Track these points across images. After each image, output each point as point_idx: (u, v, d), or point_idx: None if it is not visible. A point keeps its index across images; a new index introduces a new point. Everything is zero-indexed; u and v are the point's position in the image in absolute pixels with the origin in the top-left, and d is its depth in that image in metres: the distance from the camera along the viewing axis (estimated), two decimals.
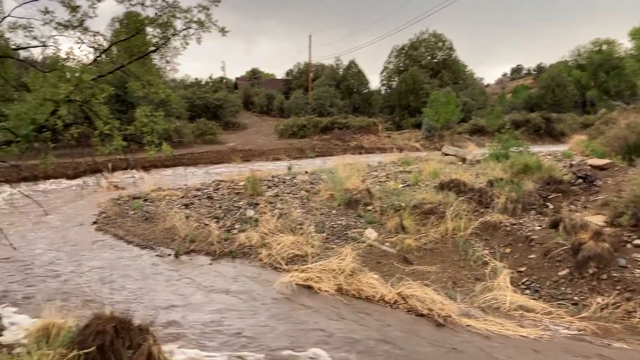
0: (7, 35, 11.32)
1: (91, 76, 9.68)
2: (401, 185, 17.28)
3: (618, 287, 9.21)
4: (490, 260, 10.72)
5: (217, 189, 18.95)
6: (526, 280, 10.06)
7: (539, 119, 50.18)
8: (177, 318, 8.59)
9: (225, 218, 14.90)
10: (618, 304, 8.84)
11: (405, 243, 12.02)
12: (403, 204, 13.90)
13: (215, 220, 14.64)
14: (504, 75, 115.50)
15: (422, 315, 8.89)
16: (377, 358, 7.38)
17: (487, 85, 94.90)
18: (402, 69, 62.66)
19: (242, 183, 18.74)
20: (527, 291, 9.79)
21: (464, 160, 23.42)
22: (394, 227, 13.00)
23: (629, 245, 10.26)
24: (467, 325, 8.46)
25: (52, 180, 22.55)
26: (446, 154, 25.72)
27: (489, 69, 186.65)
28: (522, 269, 10.43)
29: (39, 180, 19.31)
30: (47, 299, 8.43)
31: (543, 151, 27.16)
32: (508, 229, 11.78)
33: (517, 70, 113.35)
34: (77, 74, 9.65)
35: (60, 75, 10.03)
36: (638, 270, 9.40)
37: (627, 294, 9.01)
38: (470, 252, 11.29)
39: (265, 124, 56.52)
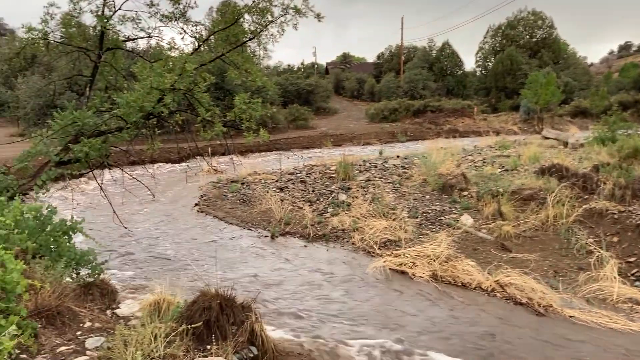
0: (118, 28, 12.10)
1: (193, 65, 10.14)
2: (499, 170, 16.71)
3: None
4: (595, 249, 10.15)
5: (309, 173, 19.26)
6: (636, 272, 9.44)
7: None
8: (275, 297, 8.89)
9: (318, 202, 15.14)
10: None
11: (503, 230, 11.64)
12: (501, 190, 13.45)
13: (309, 203, 14.92)
14: (611, 53, 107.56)
15: (521, 304, 8.61)
16: (474, 346, 7.24)
17: (591, 65, 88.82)
18: (499, 49, 60.21)
19: (333, 167, 18.91)
20: (638, 283, 9.19)
21: (565, 144, 22.21)
22: (491, 214, 12.63)
23: None
24: (570, 317, 8.10)
25: (157, 164, 24.00)
26: (546, 138, 24.52)
27: (593, 47, 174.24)
28: (632, 259, 9.79)
29: (145, 164, 20.56)
30: (157, 276, 9.03)
31: None
32: (616, 216, 11.07)
33: (625, 48, 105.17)
34: (180, 64, 10.14)
35: (165, 65, 10.60)
36: None
37: None
38: (573, 241, 10.74)
39: (356, 109, 56.49)
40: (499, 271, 9.59)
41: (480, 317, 8.20)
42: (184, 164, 17.95)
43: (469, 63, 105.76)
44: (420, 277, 9.78)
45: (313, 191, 16.31)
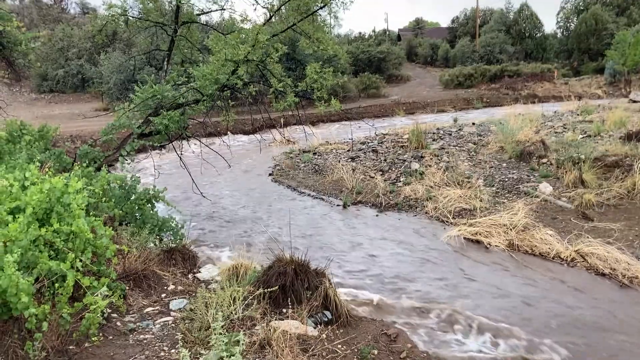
0: (192, 1, 12.39)
1: (265, 36, 10.26)
2: (580, 136, 15.93)
3: None
4: None
5: (381, 143, 19.13)
6: None
7: None
8: (347, 264, 9.01)
9: (390, 171, 15.05)
10: None
11: (584, 198, 11.15)
12: (582, 157, 12.83)
13: (380, 172, 14.88)
14: None
15: (603, 274, 8.28)
16: (549, 316, 7.05)
17: None
18: (582, 8, 56.60)
19: (406, 136, 18.68)
20: None
21: None
22: (571, 181, 12.11)
23: None
24: None
25: (233, 135, 24.65)
26: (634, 101, 23.08)
27: None
28: None
29: (221, 135, 21.15)
30: (234, 242, 9.36)
31: None
32: None
33: None
34: (253, 35, 10.28)
35: (238, 37, 10.78)
36: None
37: None
38: None
39: (429, 75, 55.18)
40: (579, 241, 9.24)
41: (559, 287, 7.96)
42: (257, 135, 18.24)
43: (549, 24, 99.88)
44: (496, 246, 9.59)
45: (385, 160, 16.21)
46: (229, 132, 24.15)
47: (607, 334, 6.57)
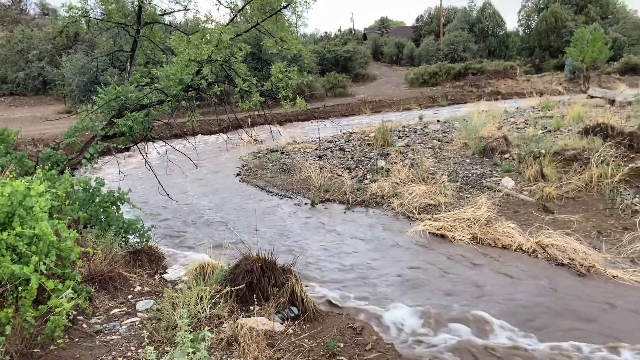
0: (155, 2, 12.30)
1: (229, 36, 10.27)
2: (541, 132, 16.35)
3: None
4: None
5: (348, 141, 19.28)
6: None
7: None
8: (314, 260, 9.10)
9: (357, 169, 15.21)
10: None
11: (545, 191, 11.48)
12: (543, 151, 13.20)
13: (348, 170, 15.02)
14: None
15: (562, 265, 8.56)
16: (512, 306, 7.28)
17: None
18: (542, 6, 57.91)
19: (372, 134, 18.86)
20: None
21: (612, 102, 21.45)
22: (532, 176, 12.44)
23: None
24: (613, 277, 8.01)
25: (199, 136, 24.50)
26: (592, 97, 23.71)
27: None
28: None
29: (187, 136, 20.99)
30: (201, 242, 9.36)
31: None
32: None
33: None
34: (216, 35, 10.28)
35: (202, 37, 10.76)
36: None
37: None
38: (618, 201, 10.51)
39: (395, 74, 55.71)
40: (540, 233, 9.53)
41: (520, 278, 8.20)
42: (224, 135, 18.18)
43: (511, 22, 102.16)
44: (460, 240, 9.81)
45: (352, 158, 16.37)
46: (199, 134, 24.01)
47: (563, 320, 6.82)
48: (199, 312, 5.02)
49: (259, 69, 31.39)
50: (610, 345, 6.11)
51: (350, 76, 45.47)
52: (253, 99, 10.36)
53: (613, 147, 12.30)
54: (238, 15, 12.56)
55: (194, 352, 3.44)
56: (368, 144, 18.00)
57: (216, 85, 11.01)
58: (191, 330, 4.00)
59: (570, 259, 8.63)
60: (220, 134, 21.13)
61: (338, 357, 4.77)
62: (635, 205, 10.19)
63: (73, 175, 7.65)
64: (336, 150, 17.87)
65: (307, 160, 16.43)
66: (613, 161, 11.71)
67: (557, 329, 6.61)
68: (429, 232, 10.25)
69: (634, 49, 48.77)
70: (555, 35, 51.35)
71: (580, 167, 12.16)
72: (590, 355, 5.93)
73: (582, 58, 39.29)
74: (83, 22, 12.45)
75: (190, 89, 10.69)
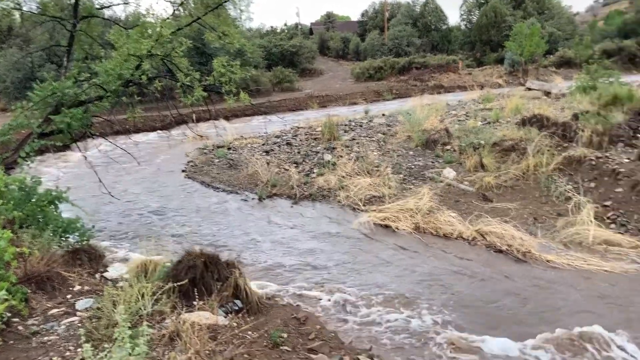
0: None
1: (170, 30, 10.10)
2: (481, 123, 16.88)
3: None
4: (573, 195, 10.43)
5: (295, 135, 19.34)
6: (612, 215, 9.75)
7: (634, 47, 46.23)
8: (261, 254, 9.13)
9: (304, 163, 15.28)
10: None
11: (484, 181, 11.89)
12: (482, 142, 13.64)
13: (295, 165, 15.07)
14: (596, 1, 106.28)
15: (500, 251, 8.91)
16: (456, 292, 7.54)
17: (577, 14, 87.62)
18: (483, 1, 59.45)
19: (319, 128, 18.98)
20: (613, 225, 9.50)
21: (548, 94, 22.37)
22: (473, 166, 12.85)
23: None
24: (548, 261, 8.41)
25: (142, 133, 23.95)
26: (530, 89, 24.66)
27: None
28: (608, 203, 10.08)
29: (130, 133, 20.49)
30: (144, 240, 9.21)
31: (638, 81, 25.32)
32: (593, 163, 11.31)
33: None
34: (157, 29, 10.10)
35: (142, 31, 10.54)
36: None
37: None
38: (553, 188, 11.01)
39: (341, 69, 56.02)
40: (479, 221, 9.87)
41: (460, 265, 8.49)
42: (168, 131, 17.94)
43: (453, 17, 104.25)
44: (403, 229, 10.05)
45: (299, 153, 16.43)
46: (142, 131, 23.48)
47: (497, 303, 7.13)
48: (140, 309, 4.97)
49: (204, 64, 30.92)
50: (542, 328, 6.43)
51: (297, 71, 45.42)
52: (196, 94, 10.24)
53: (548, 137, 12.83)
54: (180, 9, 12.37)
55: (132, 348, 3.42)
56: (315, 138, 18.11)
57: (157, 81, 10.83)
58: (131, 327, 3.96)
59: (508, 245, 8.99)
60: (164, 130, 20.76)
61: (281, 347, 4.83)
62: (568, 192, 10.68)
63: (8, 175, 7.39)
64: (283, 145, 17.89)
65: (254, 156, 16.37)
66: (548, 150, 12.23)
67: (491, 312, 6.91)
68: (374, 223, 10.45)
69: (568, 43, 50.78)
70: (495, 29, 52.81)
71: (518, 156, 12.63)
72: (522, 333, 6.23)
73: (520, 52, 40.63)
74: (16, 15, 11.97)
75: (130, 84, 10.46)
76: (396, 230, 10.09)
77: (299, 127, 21.49)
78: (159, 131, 23.25)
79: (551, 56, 46.92)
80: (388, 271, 8.32)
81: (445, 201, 11.28)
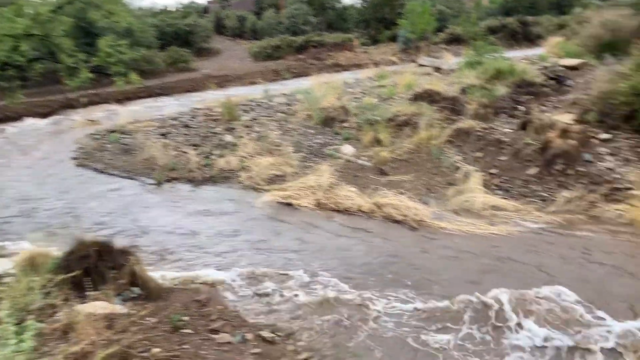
0: None
1: (48, 8, 9.47)
2: (376, 100, 17.34)
3: (583, 181, 9.67)
4: (462, 165, 11.07)
5: (193, 117, 18.84)
6: (497, 182, 10.46)
7: (515, 24, 49.33)
8: (162, 240, 8.91)
9: (203, 145, 14.98)
10: (583, 197, 9.31)
11: (380, 156, 12.28)
12: (378, 118, 14.05)
13: (194, 147, 14.73)
14: None
15: (397, 221, 9.31)
16: (354, 262, 7.81)
17: None
18: None
19: (218, 109, 18.65)
20: (499, 192, 10.21)
21: (439, 70, 23.39)
22: (369, 141, 13.22)
23: (595, 141, 10.63)
24: (441, 228, 8.92)
25: (27, 119, 22.31)
26: (422, 65, 25.64)
27: None
28: (494, 171, 10.80)
29: (13, 120, 19.06)
30: (33, 231, 8.69)
31: (519, 55, 27.06)
32: (480, 134, 12.05)
33: None
34: (34, 7, 9.43)
35: (18, 9, 9.79)
36: (602, 164, 9.83)
37: (592, 187, 9.48)
38: (444, 159, 11.60)
39: (239, 48, 55.09)
40: (377, 194, 10.24)
41: (360, 236, 8.80)
42: (55, 117, 16.87)
43: None
44: (305, 206, 10.21)
45: (198, 135, 16.07)
46: (25, 117, 21.87)
47: (391, 268, 7.52)
48: (27, 303, 4.71)
49: (90, 44, 29.29)
50: (432, 290, 6.84)
51: (192, 51, 44.10)
52: (82, 76, 9.72)
53: (439, 111, 13.46)
54: None
55: (18, 343, 3.24)
56: (214, 120, 17.77)
57: (38, 63, 10.15)
58: (18, 322, 3.75)
59: (403, 215, 9.41)
60: (50, 116, 19.49)
61: (182, 330, 4.78)
62: (458, 162, 11.31)
63: None
64: (181, 128, 17.38)
65: (149, 139, 15.78)
66: (439, 124, 12.84)
67: (385, 276, 7.28)
68: (276, 202, 10.53)
69: (456, 21, 53.19)
70: (389, 8, 54.15)
71: (411, 131, 13.15)
72: (413, 297, 6.60)
73: (413, 30, 42.05)
74: None
75: (7, 66, 9.71)
76: (298, 207, 10.22)
77: (197, 109, 20.96)
78: (43, 117, 21.81)
79: (441, 33, 48.95)
80: (289, 247, 8.46)
81: (345, 177, 11.55)
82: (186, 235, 9.15)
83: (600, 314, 6.12)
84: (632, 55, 12.12)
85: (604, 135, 10.79)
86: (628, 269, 7.26)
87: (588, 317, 6.06)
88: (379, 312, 6.29)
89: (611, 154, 10.23)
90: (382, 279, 7.21)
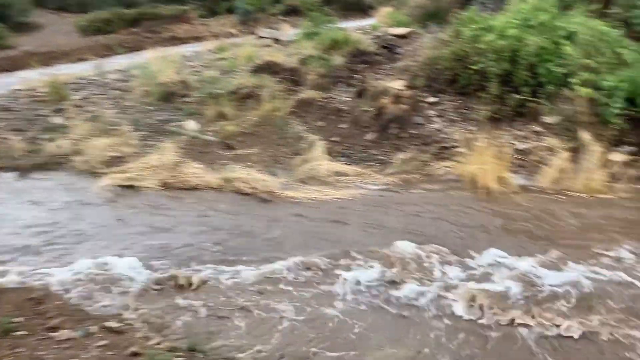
0: None
1: None
2: (218, 73, 16.97)
3: (416, 142, 10.45)
4: (306, 135, 11.31)
5: (15, 99, 16.98)
6: (339, 149, 10.88)
7: None
8: None
9: (29, 129, 13.59)
10: (416, 157, 10.05)
11: (226, 130, 12.09)
12: (221, 91, 13.79)
13: (17, 132, 13.31)
14: None
15: (247, 194, 9.31)
16: (202, 239, 7.72)
17: None
18: None
19: (44, 89, 17.01)
20: (341, 158, 10.62)
21: (278, 41, 23.48)
22: (214, 116, 12.93)
23: (424, 105, 11.46)
24: (289, 197, 9.09)
25: None
26: (261, 37, 25.53)
27: None
28: (336, 138, 11.20)
29: None
30: None
31: (353, 26, 28.08)
32: (321, 103, 12.37)
33: None
34: None
35: None
36: (431, 125, 10.68)
37: (423, 147, 10.28)
38: (289, 130, 11.77)
39: (64, 22, 50.32)
40: (225, 169, 10.12)
41: (207, 213, 8.74)
42: None
43: None
44: (149, 187, 9.77)
45: (22, 118, 14.53)
46: None
47: (241, 240, 7.60)
48: None
49: None
50: (280, 255, 6.99)
51: (9, 26, 39.60)
52: None
53: (280, 83, 13.56)
54: None
55: None
56: (40, 101, 16.16)
57: None
58: None
59: (252, 188, 9.43)
60: None
61: (15, 333, 4.32)
62: (301, 132, 11.53)
63: None
64: (0, 111, 15.61)
65: None
66: (281, 96, 12.94)
67: (230, 247, 7.40)
68: (117, 185, 9.93)
69: None
70: None
71: (255, 103, 13.10)
72: (261, 270, 6.73)
73: (251, 1, 41.65)
74: None
75: None
76: (141, 189, 9.74)
77: (18, 90, 18.90)
78: None
79: (279, 5, 49.18)
80: (131, 231, 8.10)
81: (191, 153, 11.21)
82: (12, 231, 8.23)
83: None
84: (452, 24, 13.21)
85: (432, 99, 11.67)
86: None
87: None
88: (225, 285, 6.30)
89: (438, 116, 11.13)
90: (231, 250, 7.28)
